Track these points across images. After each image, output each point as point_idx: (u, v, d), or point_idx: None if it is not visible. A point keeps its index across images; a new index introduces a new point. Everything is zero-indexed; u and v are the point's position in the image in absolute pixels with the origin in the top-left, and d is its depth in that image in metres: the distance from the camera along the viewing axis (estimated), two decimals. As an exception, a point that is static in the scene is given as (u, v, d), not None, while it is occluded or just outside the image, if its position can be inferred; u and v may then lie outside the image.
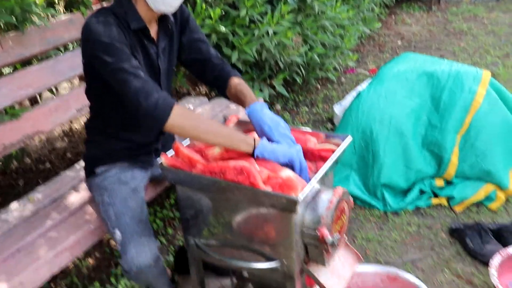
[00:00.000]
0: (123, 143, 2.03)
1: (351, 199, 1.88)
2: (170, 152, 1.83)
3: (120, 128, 2.00)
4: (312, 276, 1.81)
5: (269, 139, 1.77)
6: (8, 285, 1.75)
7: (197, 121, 1.69)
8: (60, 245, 1.92)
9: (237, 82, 2.03)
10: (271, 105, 4.27)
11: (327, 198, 1.73)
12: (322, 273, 1.83)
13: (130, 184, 2.01)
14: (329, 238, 1.68)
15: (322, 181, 1.80)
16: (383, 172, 2.82)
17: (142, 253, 1.78)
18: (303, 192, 1.58)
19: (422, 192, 2.87)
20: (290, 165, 1.70)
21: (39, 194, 2.35)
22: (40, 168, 3.66)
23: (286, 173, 1.70)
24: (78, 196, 2.29)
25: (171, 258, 2.61)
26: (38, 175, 3.53)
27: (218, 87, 2.08)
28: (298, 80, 4.03)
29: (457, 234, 2.57)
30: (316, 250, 1.76)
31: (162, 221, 2.91)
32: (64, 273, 2.58)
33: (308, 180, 1.66)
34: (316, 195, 1.75)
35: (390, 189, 2.86)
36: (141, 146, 2.08)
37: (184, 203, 1.88)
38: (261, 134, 1.80)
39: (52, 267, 1.87)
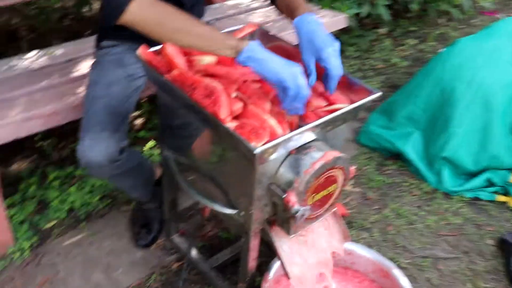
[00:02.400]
0: None
1: (352, 169, 1.49)
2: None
3: None
4: (271, 242, 1.50)
5: (320, 59, 1.39)
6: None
7: (165, 16, 1.33)
8: (36, 111, 1.76)
9: None
10: (374, 27, 3.70)
11: (312, 160, 1.36)
12: (286, 243, 1.52)
13: (128, 69, 1.75)
14: (295, 207, 1.34)
15: (322, 135, 1.42)
16: (451, 144, 2.30)
17: (95, 148, 1.55)
18: (267, 144, 1.23)
19: (489, 183, 2.33)
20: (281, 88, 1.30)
21: (60, 50, 2.20)
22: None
23: (268, 116, 1.34)
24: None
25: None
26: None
27: None
28: (414, 6, 3.39)
29: (505, 247, 2.07)
30: (283, 214, 1.44)
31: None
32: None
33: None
34: (304, 151, 1.38)
35: (452, 166, 2.35)
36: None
37: (160, 107, 1.62)
38: (308, 52, 1.42)
39: (19, 130, 1.73)
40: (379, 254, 1.76)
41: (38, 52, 2.15)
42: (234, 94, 1.35)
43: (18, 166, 2.34)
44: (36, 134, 1.82)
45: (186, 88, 1.37)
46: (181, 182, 1.60)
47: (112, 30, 1.78)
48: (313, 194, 1.39)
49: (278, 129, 1.31)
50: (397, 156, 2.52)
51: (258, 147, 1.21)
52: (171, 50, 1.46)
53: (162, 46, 1.48)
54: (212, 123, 1.30)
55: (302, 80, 1.29)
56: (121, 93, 1.69)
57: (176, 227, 1.95)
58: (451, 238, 2.15)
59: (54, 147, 2.41)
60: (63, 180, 2.21)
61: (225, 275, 1.85)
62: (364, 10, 3.07)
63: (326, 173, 1.38)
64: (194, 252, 1.88)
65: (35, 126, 1.76)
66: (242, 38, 1.36)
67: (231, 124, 1.31)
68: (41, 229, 2.03)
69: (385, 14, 3.16)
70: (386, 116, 2.56)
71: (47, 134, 2.39)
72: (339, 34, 3.17)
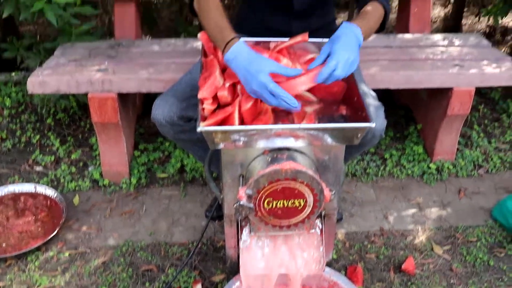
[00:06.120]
0: (253, 20, 1.99)
1: (328, 193, 1.44)
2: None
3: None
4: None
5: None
6: None
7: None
8: (159, 75, 2.17)
9: (368, 8, 1.66)
10: None
11: (271, 164, 1.39)
12: (250, 239, 1.56)
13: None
14: (241, 201, 1.40)
15: (311, 153, 1.44)
16: None
17: (160, 108, 1.84)
18: (209, 127, 1.34)
19: None
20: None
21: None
22: None
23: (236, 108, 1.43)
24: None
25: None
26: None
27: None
28: None
29: None
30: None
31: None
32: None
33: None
34: (274, 154, 1.43)
35: None
36: (270, 29, 1.96)
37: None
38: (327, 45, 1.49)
39: (141, 86, 2.15)
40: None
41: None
42: (227, 84, 1.48)
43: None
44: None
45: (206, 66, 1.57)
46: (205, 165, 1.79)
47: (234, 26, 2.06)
48: (269, 199, 1.41)
49: (235, 121, 1.39)
50: (525, 244, 2.09)
51: (201, 126, 1.34)
52: (204, 38, 1.65)
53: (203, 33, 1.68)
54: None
55: (272, 89, 1.35)
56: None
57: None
58: None
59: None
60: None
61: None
62: None
63: (284, 182, 1.38)
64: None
65: (154, 87, 2.17)
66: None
67: (209, 107, 1.45)
68: (154, 176, 2.46)
69: None
70: (530, 195, 2.14)
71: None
72: None
